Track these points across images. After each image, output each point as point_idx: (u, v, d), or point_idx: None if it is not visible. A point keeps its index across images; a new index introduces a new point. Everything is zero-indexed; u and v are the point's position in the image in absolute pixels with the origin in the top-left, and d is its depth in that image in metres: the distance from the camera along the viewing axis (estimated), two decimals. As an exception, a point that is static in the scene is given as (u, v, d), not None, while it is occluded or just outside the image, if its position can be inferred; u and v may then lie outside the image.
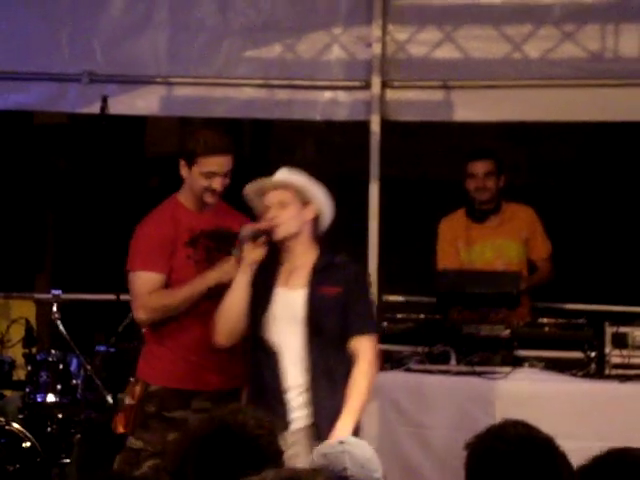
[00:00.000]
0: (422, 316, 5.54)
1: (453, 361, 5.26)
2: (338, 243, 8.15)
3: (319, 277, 4.24)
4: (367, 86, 6.29)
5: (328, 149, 8.15)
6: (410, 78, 6.31)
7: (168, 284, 4.53)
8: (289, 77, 6.33)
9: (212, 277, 4.47)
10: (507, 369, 5.18)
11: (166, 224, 4.55)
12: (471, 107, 6.26)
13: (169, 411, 4.46)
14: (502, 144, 7.60)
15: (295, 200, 4.24)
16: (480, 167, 5.91)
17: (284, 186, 4.25)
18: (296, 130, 8.03)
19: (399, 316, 5.64)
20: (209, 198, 4.57)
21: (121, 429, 4.53)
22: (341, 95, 6.36)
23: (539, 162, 8.17)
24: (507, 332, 5.32)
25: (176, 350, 4.52)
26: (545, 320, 5.54)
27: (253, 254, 4.24)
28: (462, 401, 5.12)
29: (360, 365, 4.23)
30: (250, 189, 4.30)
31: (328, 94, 6.37)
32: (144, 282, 4.49)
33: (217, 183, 4.54)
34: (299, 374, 4.21)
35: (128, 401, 4.60)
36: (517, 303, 5.54)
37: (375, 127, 6.31)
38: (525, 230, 6.02)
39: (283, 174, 4.30)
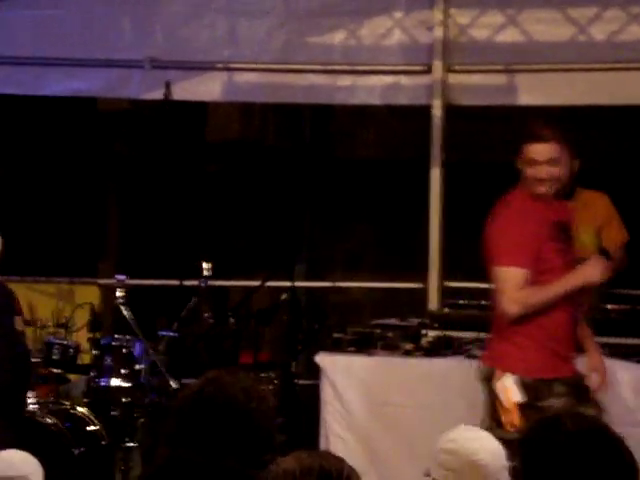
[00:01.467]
0: (484, 302, 5.50)
1: (515, 347, 5.21)
2: (400, 230, 8.10)
3: None
4: (429, 70, 6.24)
5: (389, 134, 8.11)
6: (472, 62, 6.24)
7: (538, 277, 4.56)
8: (350, 62, 6.30)
9: (579, 278, 4.56)
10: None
11: (530, 219, 4.58)
12: (534, 91, 6.18)
13: (541, 400, 4.52)
14: (566, 129, 7.49)
15: None
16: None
17: None
18: (357, 115, 8.00)
19: (461, 302, 5.61)
20: (538, 188, 4.59)
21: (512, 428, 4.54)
22: (403, 79, 6.31)
23: (605, 147, 8.05)
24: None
25: (541, 339, 4.58)
26: (609, 306, 5.48)
27: None
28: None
29: None
30: None
31: (389, 79, 6.32)
32: (513, 277, 4.52)
33: (541, 172, 4.55)
34: None
35: (516, 399, 4.59)
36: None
37: (437, 111, 6.26)
38: (600, 218, 5.92)
39: None
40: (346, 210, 8.24)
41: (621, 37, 5.97)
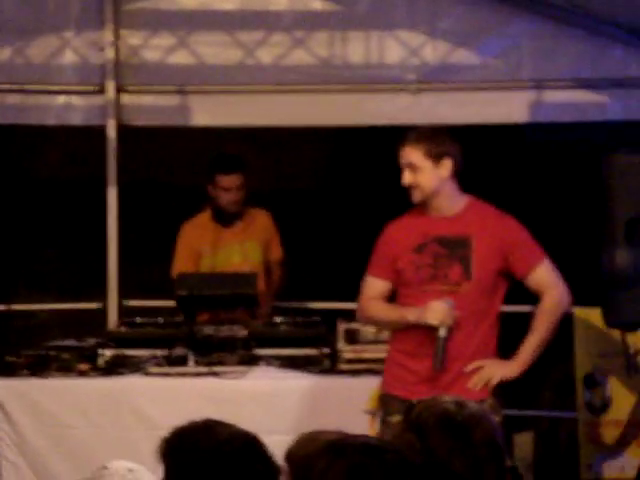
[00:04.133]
0: (161, 320, 5.57)
1: (192, 363, 5.31)
2: (82, 247, 8.01)
3: None
4: (101, 91, 6.25)
5: (69, 154, 8.05)
6: (145, 83, 6.30)
7: (395, 289, 4.61)
8: (19, 81, 6.20)
9: (410, 316, 4.50)
10: (244, 368, 5.28)
11: (396, 230, 4.60)
12: (207, 112, 6.31)
13: (390, 415, 4.51)
14: (248, 149, 7.72)
15: None
16: (231, 182, 5.92)
17: None
18: (38, 135, 7.88)
19: (138, 320, 5.66)
20: None
21: None
22: (75, 100, 6.29)
23: (285, 167, 8.32)
24: (244, 332, 5.43)
25: (395, 354, 4.60)
26: (282, 319, 5.68)
27: None
28: (201, 402, 5.18)
29: None
30: None
31: (62, 99, 6.28)
32: (367, 285, 4.67)
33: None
34: None
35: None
36: (255, 303, 5.64)
37: (111, 132, 6.28)
38: (265, 233, 6.13)
39: None
40: (29, 231, 8.10)
41: (287, 61, 6.20)
